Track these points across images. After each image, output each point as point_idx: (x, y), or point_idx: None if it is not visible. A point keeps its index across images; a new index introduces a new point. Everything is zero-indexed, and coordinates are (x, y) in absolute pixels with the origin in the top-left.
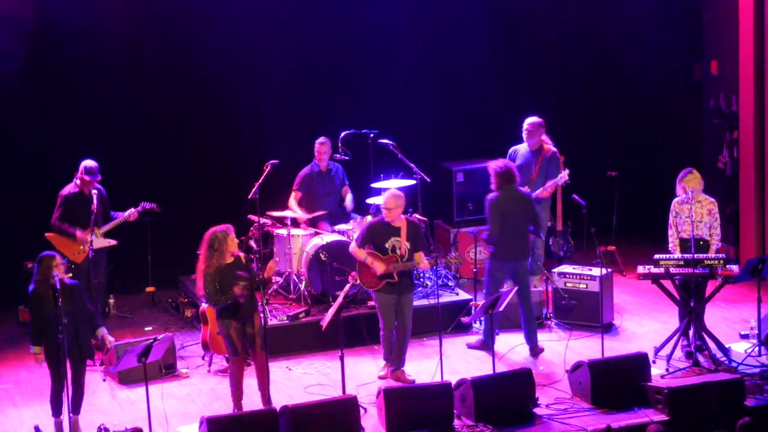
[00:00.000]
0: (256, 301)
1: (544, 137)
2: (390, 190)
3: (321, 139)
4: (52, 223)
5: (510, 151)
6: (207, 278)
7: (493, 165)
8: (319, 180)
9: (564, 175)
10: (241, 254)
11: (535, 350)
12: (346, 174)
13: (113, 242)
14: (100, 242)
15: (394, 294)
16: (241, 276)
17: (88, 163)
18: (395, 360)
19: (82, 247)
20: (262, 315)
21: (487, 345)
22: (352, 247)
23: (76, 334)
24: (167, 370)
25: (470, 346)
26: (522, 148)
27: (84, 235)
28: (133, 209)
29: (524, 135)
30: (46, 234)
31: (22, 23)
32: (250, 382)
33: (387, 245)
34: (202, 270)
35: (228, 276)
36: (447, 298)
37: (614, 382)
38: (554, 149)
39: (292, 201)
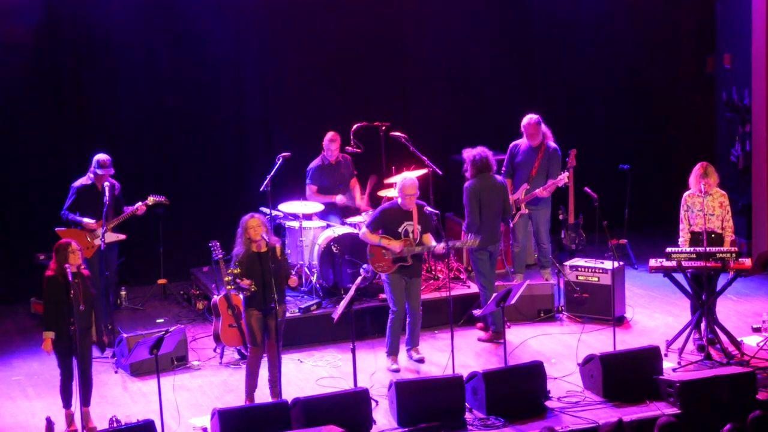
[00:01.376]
0: (282, 293)
1: (545, 129)
2: (406, 177)
3: (331, 135)
4: (62, 213)
5: (511, 145)
6: (235, 264)
7: (469, 153)
8: (329, 172)
9: (563, 177)
10: (278, 245)
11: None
12: (357, 166)
13: (121, 237)
14: (109, 237)
15: (405, 276)
16: (246, 271)
17: (101, 156)
18: (411, 340)
19: (90, 240)
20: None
21: (497, 335)
22: (363, 232)
23: (91, 324)
24: (179, 362)
25: (481, 339)
26: (523, 144)
27: (91, 223)
28: (140, 203)
29: (524, 135)
30: (56, 228)
31: (33, 16)
32: (261, 373)
33: (400, 230)
34: (235, 254)
35: (254, 265)
36: (458, 291)
37: (626, 376)
38: (555, 145)
39: (311, 194)
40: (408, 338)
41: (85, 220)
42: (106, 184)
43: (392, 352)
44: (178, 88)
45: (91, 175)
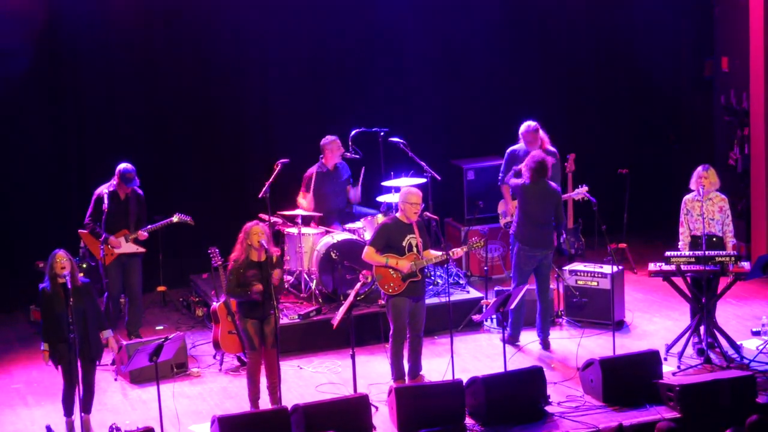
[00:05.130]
0: (278, 300)
1: (542, 135)
2: (410, 188)
3: (331, 138)
4: (85, 222)
5: (508, 151)
6: (232, 270)
7: (529, 159)
8: (327, 179)
9: (582, 191)
10: (275, 254)
11: (546, 343)
12: (355, 172)
13: (142, 250)
14: (129, 247)
15: (411, 297)
16: (255, 275)
17: (123, 166)
18: (412, 368)
19: (111, 248)
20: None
21: (514, 339)
22: (368, 253)
23: (86, 334)
24: (178, 369)
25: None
26: (522, 151)
27: (116, 241)
28: (168, 219)
29: (523, 143)
30: (79, 230)
31: (33, 21)
32: (261, 379)
33: (404, 243)
34: (233, 260)
35: (252, 272)
36: (458, 296)
37: (626, 380)
38: (554, 149)
39: (302, 200)
40: (410, 369)
41: (112, 239)
42: (105, 191)
43: (399, 377)
44: (177, 95)
45: (114, 182)
